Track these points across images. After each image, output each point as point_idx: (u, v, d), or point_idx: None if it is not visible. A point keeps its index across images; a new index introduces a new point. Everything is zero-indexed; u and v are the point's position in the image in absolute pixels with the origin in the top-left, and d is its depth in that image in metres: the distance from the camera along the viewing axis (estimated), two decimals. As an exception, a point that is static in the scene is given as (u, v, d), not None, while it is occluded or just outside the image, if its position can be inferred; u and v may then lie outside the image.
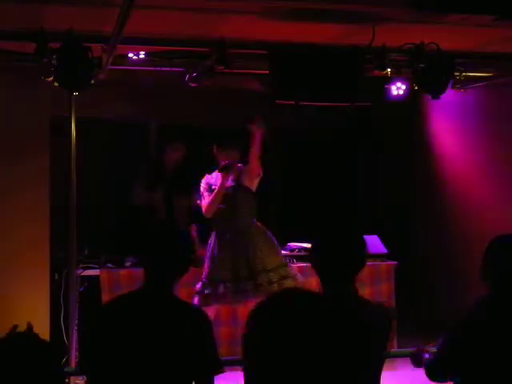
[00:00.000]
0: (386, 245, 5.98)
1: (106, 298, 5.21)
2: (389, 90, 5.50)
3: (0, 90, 5.39)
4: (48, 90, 4.91)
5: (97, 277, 5.39)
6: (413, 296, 6.96)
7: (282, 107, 5.13)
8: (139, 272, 3.04)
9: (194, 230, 6.01)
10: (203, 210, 5.39)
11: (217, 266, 5.24)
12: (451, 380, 2.99)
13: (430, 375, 3.03)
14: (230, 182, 5.36)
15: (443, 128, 6.88)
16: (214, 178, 5.44)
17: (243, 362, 2.25)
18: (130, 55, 5.03)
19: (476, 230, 6.25)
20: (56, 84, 4.65)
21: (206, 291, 5.19)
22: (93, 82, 4.73)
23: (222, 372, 2.84)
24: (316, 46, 5.01)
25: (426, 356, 3.13)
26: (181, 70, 5.24)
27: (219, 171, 5.33)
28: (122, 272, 5.48)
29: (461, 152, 6.66)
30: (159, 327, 2.72)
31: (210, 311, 4.87)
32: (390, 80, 5.44)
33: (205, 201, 5.38)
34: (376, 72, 5.22)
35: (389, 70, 5.22)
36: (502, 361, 2.83)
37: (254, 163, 5.28)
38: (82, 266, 5.43)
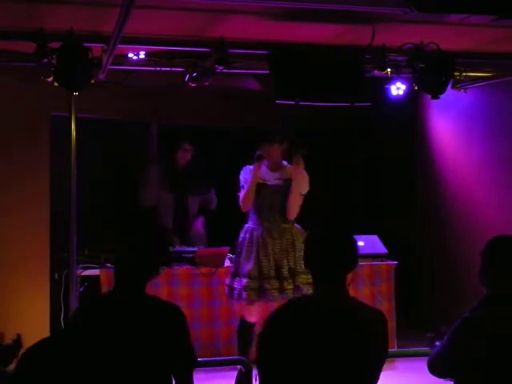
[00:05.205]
0: (386, 245, 5.98)
1: (105, 297, 5.21)
2: (389, 90, 5.50)
3: (0, 90, 5.39)
4: (48, 90, 4.91)
5: (97, 277, 5.38)
6: (413, 296, 6.96)
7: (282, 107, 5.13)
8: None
9: (200, 223, 6.20)
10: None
11: None
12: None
13: (431, 369, 3.05)
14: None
15: (443, 128, 6.88)
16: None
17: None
18: (130, 55, 5.03)
19: (476, 230, 6.25)
20: (56, 84, 4.66)
21: None
22: (93, 81, 4.74)
23: (196, 366, 2.90)
24: (316, 45, 5.01)
25: (437, 345, 3.10)
26: (181, 69, 5.24)
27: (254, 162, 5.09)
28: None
29: (461, 152, 6.66)
30: (134, 327, 2.73)
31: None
32: (389, 80, 5.44)
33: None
34: (376, 72, 5.23)
35: (389, 70, 5.22)
36: (499, 362, 2.82)
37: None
38: (81, 266, 5.43)
